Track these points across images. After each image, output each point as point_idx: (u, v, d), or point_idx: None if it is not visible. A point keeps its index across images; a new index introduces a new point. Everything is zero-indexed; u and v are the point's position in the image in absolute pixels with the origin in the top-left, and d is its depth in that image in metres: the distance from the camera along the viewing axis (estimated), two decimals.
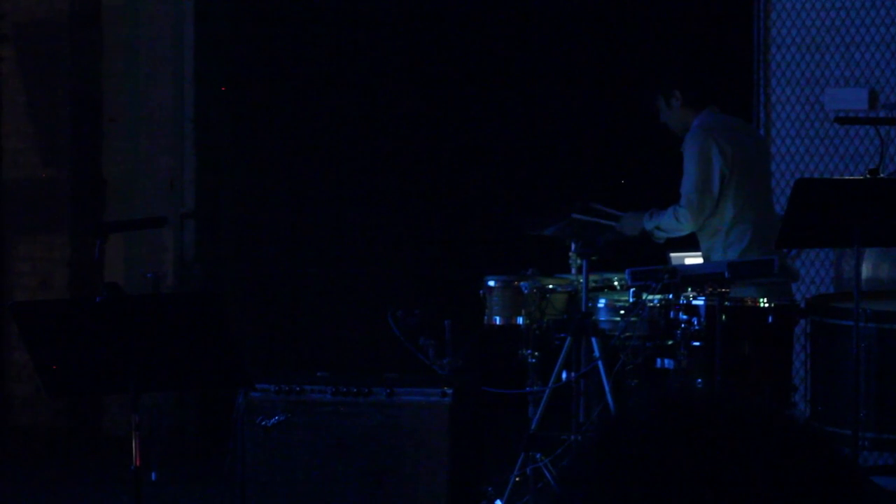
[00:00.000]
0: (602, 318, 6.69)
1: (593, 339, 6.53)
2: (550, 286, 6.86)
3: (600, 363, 6.50)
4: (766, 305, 6.59)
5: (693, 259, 7.12)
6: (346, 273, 9.51)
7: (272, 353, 8.81)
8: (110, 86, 9.52)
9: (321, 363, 6.68)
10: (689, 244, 7.13)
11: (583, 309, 6.55)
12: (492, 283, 6.90)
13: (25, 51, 9.54)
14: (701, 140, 6.88)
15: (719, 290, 6.38)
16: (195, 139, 9.42)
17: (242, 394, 6.33)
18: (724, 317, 6.38)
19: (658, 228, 6.92)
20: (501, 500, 6.66)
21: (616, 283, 6.96)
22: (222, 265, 9.48)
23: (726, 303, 6.42)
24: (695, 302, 6.49)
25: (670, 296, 6.51)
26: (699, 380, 6.48)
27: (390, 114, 9.56)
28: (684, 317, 6.47)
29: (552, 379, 6.65)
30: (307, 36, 9.56)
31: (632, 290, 6.55)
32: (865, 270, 7.47)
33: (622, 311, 6.64)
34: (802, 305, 7.01)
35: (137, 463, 4.89)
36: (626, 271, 6.57)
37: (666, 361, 6.53)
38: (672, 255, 7.16)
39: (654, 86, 7.07)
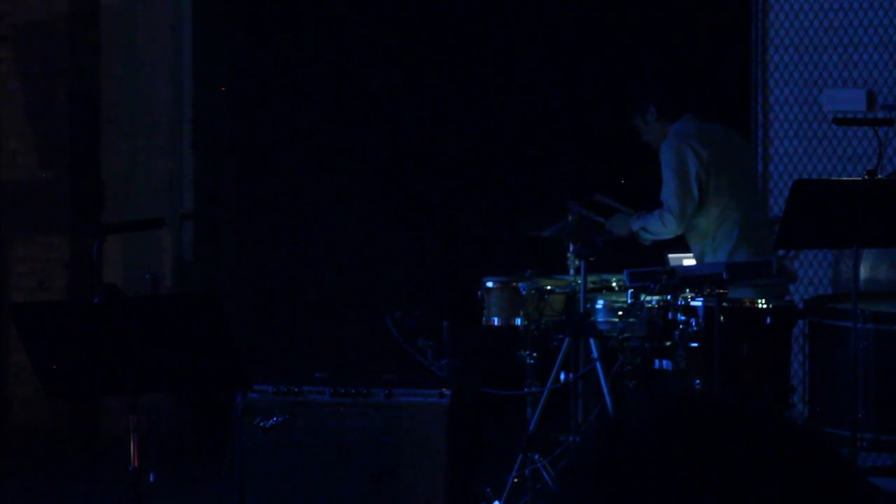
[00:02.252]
0: (600, 319, 6.69)
1: (591, 340, 6.53)
2: (549, 287, 6.87)
3: (598, 364, 6.50)
4: (765, 306, 6.60)
5: (691, 260, 7.13)
6: (344, 274, 9.51)
7: (271, 354, 8.81)
8: (109, 86, 9.52)
9: (320, 364, 6.67)
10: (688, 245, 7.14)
11: (581, 310, 6.56)
12: (490, 284, 6.91)
13: (24, 51, 9.54)
14: (675, 145, 6.95)
15: (717, 291, 6.39)
16: (193, 140, 9.42)
17: (241, 395, 6.33)
18: (722, 318, 6.38)
19: (644, 230, 6.95)
20: (500, 501, 6.66)
21: (614, 285, 6.96)
22: (221, 266, 9.48)
23: (724, 304, 6.42)
24: (693, 303, 6.49)
25: (668, 297, 6.51)
26: (697, 381, 6.48)
27: (389, 114, 9.56)
28: (682, 318, 6.47)
29: (550, 380, 6.66)
30: (306, 36, 9.56)
31: (630, 291, 6.55)
32: (864, 271, 7.47)
33: (620, 312, 6.64)
34: (801, 306, 7.01)
35: (136, 464, 4.88)
36: (625, 272, 6.58)
37: (664, 362, 6.53)
38: (670, 255, 7.17)
39: (630, 107, 7.15)
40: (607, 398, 6.44)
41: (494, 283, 6.90)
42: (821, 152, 8.32)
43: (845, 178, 7.72)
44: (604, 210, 7.10)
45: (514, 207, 9.02)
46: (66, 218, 9.47)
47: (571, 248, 6.88)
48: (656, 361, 6.56)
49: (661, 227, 6.92)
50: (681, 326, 6.46)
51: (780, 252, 7.26)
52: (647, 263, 6.76)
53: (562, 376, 6.64)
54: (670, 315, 6.51)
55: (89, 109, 9.51)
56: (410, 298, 8.01)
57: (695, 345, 6.47)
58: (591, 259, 6.55)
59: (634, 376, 6.55)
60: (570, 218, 6.90)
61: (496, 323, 6.91)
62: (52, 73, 9.48)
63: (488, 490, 6.69)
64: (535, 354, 6.79)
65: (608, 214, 7.08)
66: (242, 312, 8.83)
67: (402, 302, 7.19)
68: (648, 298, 6.50)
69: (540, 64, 9.46)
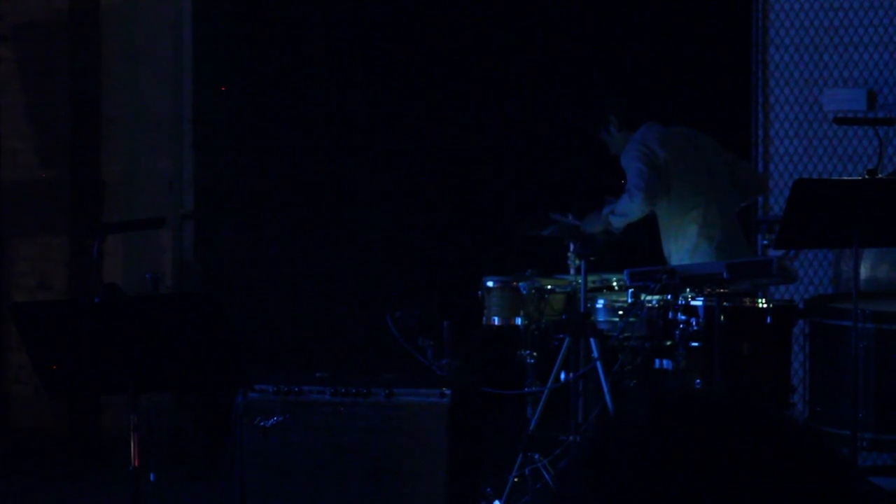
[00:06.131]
0: (601, 319, 6.70)
1: (592, 340, 6.53)
2: (549, 287, 6.87)
3: (599, 364, 6.50)
4: (765, 306, 6.60)
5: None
6: (344, 273, 9.50)
7: (271, 353, 8.81)
8: (109, 86, 9.52)
9: (320, 364, 6.68)
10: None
11: (581, 309, 6.56)
12: (490, 284, 6.91)
13: (24, 51, 9.53)
14: (633, 147, 7.06)
15: (717, 290, 6.39)
16: (194, 140, 9.42)
17: (241, 394, 6.33)
18: (722, 317, 6.38)
19: (613, 213, 6.95)
20: (500, 501, 6.66)
21: (615, 284, 6.97)
22: (221, 266, 9.48)
23: (725, 303, 6.42)
24: (693, 302, 6.50)
25: (669, 296, 6.52)
26: (697, 380, 6.49)
27: (390, 114, 9.56)
28: (683, 317, 6.47)
29: (551, 379, 6.66)
30: (306, 36, 9.56)
31: (630, 290, 6.56)
32: (864, 271, 7.47)
33: (621, 312, 6.64)
34: (801, 306, 7.02)
35: (136, 463, 4.88)
36: (625, 272, 6.58)
37: (664, 362, 6.54)
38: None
39: (596, 122, 7.24)
40: (608, 398, 6.44)
41: (495, 282, 6.90)
42: (821, 152, 8.32)
43: (846, 178, 7.72)
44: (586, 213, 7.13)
45: (515, 207, 9.02)
46: (67, 217, 9.46)
47: (572, 247, 6.89)
48: (657, 361, 6.56)
49: (629, 203, 6.91)
50: (681, 326, 6.47)
51: (781, 252, 7.27)
52: (647, 263, 6.76)
53: (562, 376, 6.64)
54: (671, 314, 6.52)
55: (89, 109, 9.51)
56: (411, 298, 8.01)
57: (695, 344, 6.47)
58: (592, 258, 6.55)
59: (635, 376, 6.55)
60: (569, 217, 6.91)
61: (496, 322, 6.91)
62: (53, 72, 9.48)
63: (489, 489, 6.69)
64: (535, 354, 6.79)
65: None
66: (242, 312, 8.83)
67: (403, 301, 7.19)
68: (649, 298, 6.50)
69: (540, 63, 9.45)
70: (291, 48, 9.56)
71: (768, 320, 6.56)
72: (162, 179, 9.42)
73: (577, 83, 9.08)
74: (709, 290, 6.43)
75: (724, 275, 6.37)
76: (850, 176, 7.97)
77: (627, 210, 6.94)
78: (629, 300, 6.58)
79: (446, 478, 6.19)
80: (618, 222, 6.95)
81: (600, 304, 6.74)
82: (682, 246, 7.06)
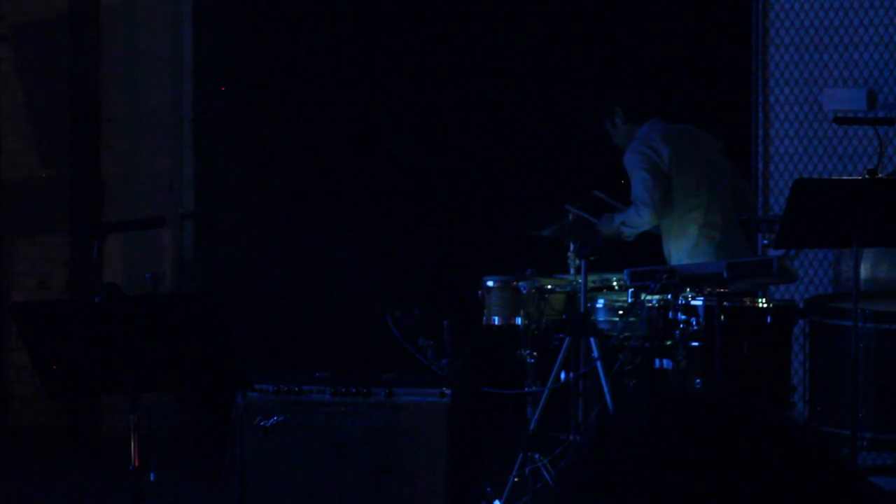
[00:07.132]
0: (601, 319, 6.70)
1: (592, 340, 6.53)
2: (549, 286, 6.87)
3: (599, 363, 6.50)
4: (765, 306, 6.60)
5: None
6: (345, 273, 9.50)
7: (271, 353, 8.81)
8: (109, 86, 9.52)
9: (320, 364, 6.67)
10: None
11: (581, 309, 6.56)
12: (490, 284, 6.91)
13: (24, 51, 9.54)
14: (636, 149, 7.04)
15: (718, 290, 6.39)
16: (194, 139, 9.42)
17: (241, 394, 6.33)
18: (722, 317, 6.38)
19: (624, 224, 6.99)
20: (500, 501, 6.66)
21: (615, 284, 6.97)
22: (221, 265, 9.48)
23: (725, 303, 6.42)
24: (693, 302, 6.50)
25: (669, 296, 6.52)
26: (698, 380, 6.48)
27: (390, 114, 9.56)
28: (683, 317, 6.47)
29: (551, 379, 6.66)
30: (306, 36, 9.56)
31: (630, 290, 6.56)
32: (864, 271, 7.47)
33: (621, 312, 6.64)
34: (801, 306, 7.02)
35: (136, 463, 4.88)
36: (625, 272, 6.58)
37: (664, 362, 6.54)
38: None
39: (599, 111, 7.22)
40: (608, 397, 6.44)
41: (495, 282, 6.90)
42: (821, 151, 8.32)
43: (846, 178, 7.72)
44: (600, 209, 7.13)
45: (515, 207, 9.02)
46: (67, 217, 9.47)
47: (572, 247, 6.89)
48: (657, 361, 6.56)
49: (637, 218, 6.95)
50: (681, 325, 6.47)
51: (781, 251, 7.27)
52: (647, 263, 6.76)
53: (562, 375, 6.64)
54: (671, 314, 6.52)
55: (89, 109, 9.51)
56: (411, 298, 8.01)
57: (695, 344, 6.47)
58: (592, 258, 6.55)
59: (635, 375, 6.55)
60: (570, 217, 6.91)
61: (497, 322, 6.91)
62: (53, 72, 9.48)
63: (489, 489, 6.69)
64: (535, 354, 6.79)
65: (602, 213, 7.12)
66: (242, 312, 8.83)
67: (403, 301, 7.19)
68: (649, 298, 6.50)
69: (540, 62, 9.45)
70: (291, 48, 9.56)
71: (768, 320, 6.56)
72: (162, 179, 9.42)
73: (578, 84, 9.07)
74: (709, 289, 6.43)
75: (724, 274, 6.37)
76: (850, 176, 7.96)
77: (636, 224, 6.97)
78: (629, 300, 6.58)
79: (446, 477, 6.19)
80: (628, 231, 7.00)
81: (600, 303, 6.74)
82: (682, 245, 7.07)
